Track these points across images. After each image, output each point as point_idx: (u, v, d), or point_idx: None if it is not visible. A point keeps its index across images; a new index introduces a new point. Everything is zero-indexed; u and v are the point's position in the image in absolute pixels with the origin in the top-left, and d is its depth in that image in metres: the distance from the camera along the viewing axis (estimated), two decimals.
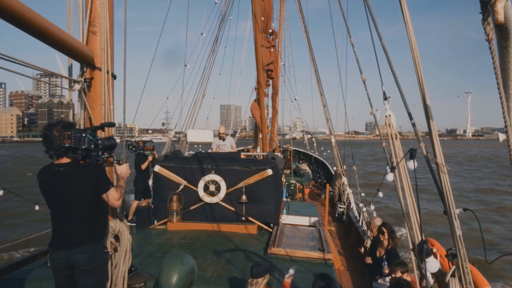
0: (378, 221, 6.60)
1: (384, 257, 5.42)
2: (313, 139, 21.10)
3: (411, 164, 2.80)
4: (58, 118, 3.17)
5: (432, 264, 2.51)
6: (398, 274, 4.45)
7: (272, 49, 12.40)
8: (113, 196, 3.04)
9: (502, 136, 1.73)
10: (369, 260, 5.88)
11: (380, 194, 6.08)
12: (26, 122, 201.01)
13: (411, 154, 2.79)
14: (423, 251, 2.52)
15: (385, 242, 5.59)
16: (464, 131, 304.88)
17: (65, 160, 2.92)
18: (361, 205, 9.54)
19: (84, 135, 2.83)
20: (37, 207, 8.01)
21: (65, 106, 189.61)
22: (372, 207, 8.81)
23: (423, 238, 3.02)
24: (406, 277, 4.45)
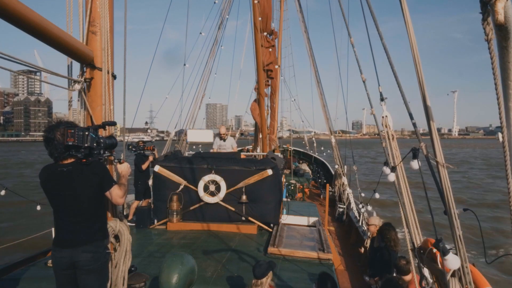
0: (376, 220, 6.53)
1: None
2: (313, 138, 21.07)
3: (414, 164, 2.77)
4: (56, 119, 3.10)
5: (452, 261, 2.39)
6: None
7: (271, 49, 12.40)
8: (116, 194, 3.04)
9: (501, 136, 1.73)
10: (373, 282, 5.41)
11: (377, 195, 6.06)
12: (1, 121, 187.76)
13: (414, 153, 2.76)
14: (440, 250, 2.41)
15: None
16: (449, 130, 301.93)
17: (69, 161, 2.91)
18: (360, 206, 9.54)
19: (87, 133, 2.82)
20: (38, 207, 8.01)
21: (42, 104, 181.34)
22: (369, 207, 8.81)
23: (425, 238, 3.02)
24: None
